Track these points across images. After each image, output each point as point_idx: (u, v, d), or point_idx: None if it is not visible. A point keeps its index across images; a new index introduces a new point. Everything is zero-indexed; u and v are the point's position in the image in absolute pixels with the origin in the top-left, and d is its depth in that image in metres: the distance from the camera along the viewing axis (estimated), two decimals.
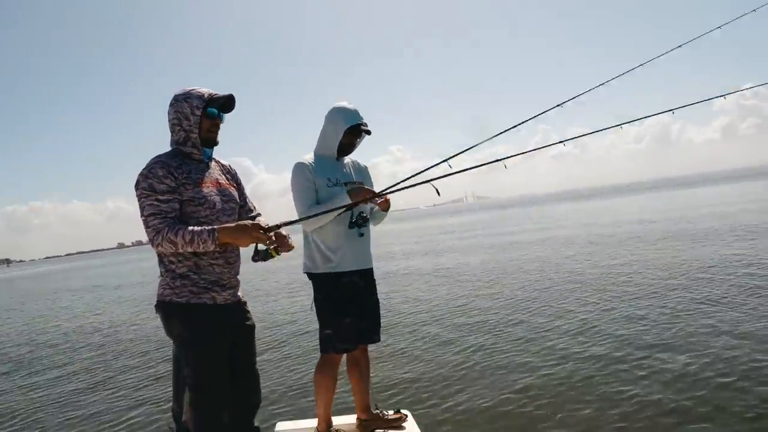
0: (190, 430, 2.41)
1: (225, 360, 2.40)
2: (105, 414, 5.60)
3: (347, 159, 3.01)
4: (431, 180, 2.66)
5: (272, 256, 2.35)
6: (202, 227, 2.24)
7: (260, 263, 2.43)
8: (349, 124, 2.84)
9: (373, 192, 2.83)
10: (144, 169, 2.29)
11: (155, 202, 2.24)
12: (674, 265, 10.20)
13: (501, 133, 3.11)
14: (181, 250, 2.24)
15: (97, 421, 5.39)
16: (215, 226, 2.25)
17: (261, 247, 2.36)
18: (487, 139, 3.00)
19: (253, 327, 2.59)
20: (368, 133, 2.93)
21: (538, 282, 10.50)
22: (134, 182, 2.30)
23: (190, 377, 2.36)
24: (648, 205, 34.36)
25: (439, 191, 2.63)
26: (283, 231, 2.45)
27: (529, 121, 3.15)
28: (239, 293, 2.54)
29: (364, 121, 2.89)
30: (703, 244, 12.63)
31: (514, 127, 3.07)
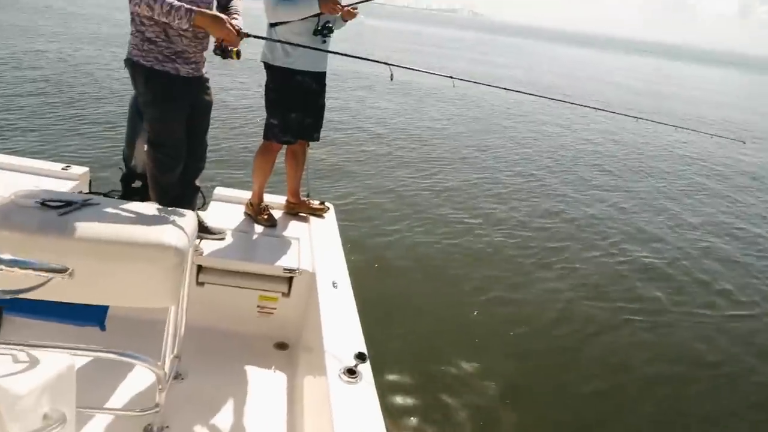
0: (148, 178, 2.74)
1: (183, 123, 2.65)
2: (63, 140, 5.89)
3: None
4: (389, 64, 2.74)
5: (232, 57, 2.48)
6: (182, 4, 2.29)
7: (218, 57, 2.54)
8: None
9: (342, 4, 2.85)
10: None
11: None
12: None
13: None
14: (156, 17, 2.32)
15: (57, 144, 5.68)
16: (194, 8, 2.30)
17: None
18: None
19: (211, 103, 2.80)
20: None
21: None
22: None
23: (149, 133, 2.64)
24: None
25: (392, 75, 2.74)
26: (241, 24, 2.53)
27: None
28: (203, 69, 2.69)
29: None
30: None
31: None
